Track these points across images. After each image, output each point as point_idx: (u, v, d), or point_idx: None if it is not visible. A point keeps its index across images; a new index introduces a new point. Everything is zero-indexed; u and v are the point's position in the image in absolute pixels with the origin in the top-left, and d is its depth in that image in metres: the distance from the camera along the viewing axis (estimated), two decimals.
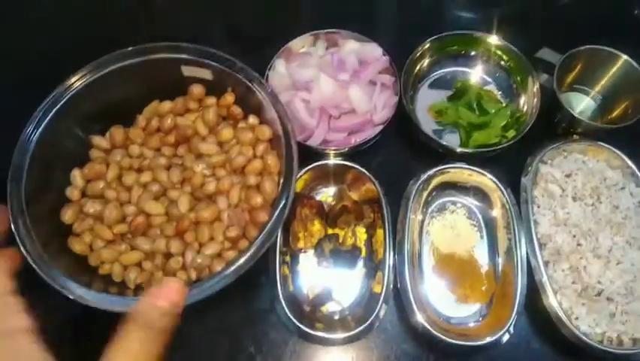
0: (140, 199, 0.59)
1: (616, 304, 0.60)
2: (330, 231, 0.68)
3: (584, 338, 0.57)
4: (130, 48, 0.62)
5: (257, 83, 0.62)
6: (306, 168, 0.67)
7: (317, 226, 0.68)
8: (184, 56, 0.63)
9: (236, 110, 0.64)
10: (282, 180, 0.57)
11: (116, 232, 0.59)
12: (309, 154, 0.68)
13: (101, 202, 0.60)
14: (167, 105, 0.65)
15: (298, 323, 0.59)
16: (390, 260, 0.62)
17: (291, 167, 0.57)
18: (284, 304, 0.60)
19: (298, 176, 0.66)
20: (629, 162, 0.67)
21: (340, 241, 0.67)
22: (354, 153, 0.69)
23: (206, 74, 0.64)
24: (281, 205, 0.55)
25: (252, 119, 0.63)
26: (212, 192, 0.60)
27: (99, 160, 0.63)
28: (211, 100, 0.65)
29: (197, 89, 0.65)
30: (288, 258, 0.65)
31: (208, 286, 0.50)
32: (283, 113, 0.60)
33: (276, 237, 0.60)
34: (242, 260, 0.51)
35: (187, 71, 0.64)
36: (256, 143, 0.62)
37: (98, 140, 0.64)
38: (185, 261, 0.57)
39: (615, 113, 0.73)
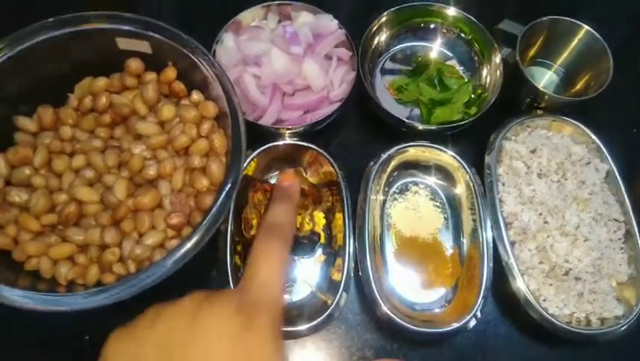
0: (71, 186, 0.54)
1: (584, 283, 0.58)
2: None
3: (552, 320, 0.55)
4: (55, 18, 0.55)
5: (201, 55, 0.56)
6: (259, 150, 0.62)
7: None
8: (119, 26, 0.56)
9: (179, 87, 0.58)
10: (228, 161, 0.52)
11: (44, 222, 0.53)
12: (261, 134, 0.63)
13: (28, 190, 0.54)
14: (101, 82, 0.59)
15: None
16: (350, 246, 0.58)
17: (239, 146, 0.52)
18: None
19: (250, 158, 0.62)
20: (594, 137, 0.65)
21: (297, 226, 0.62)
22: (311, 133, 0.64)
23: (145, 47, 0.58)
24: (227, 188, 0.50)
25: (196, 96, 0.58)
26: (153, 177, 0.54)
27: (25, 144, 0.56)
28: (150, 76, 0.59)
29: (134, 64, 0.58)
30: (240, 248, 0.60)
31: (141, 280, 0.45)
32: (230, 88, 0.55)
33: (222, 223, 0.55)
34: (182, 250, 0.46)
35: (123, 43, 0.58)
36: (200, 121, 0.56)
37: (23, 121, 0.57)
38: (123, 252, 0.51)
39: (578, 87, 0.71)
